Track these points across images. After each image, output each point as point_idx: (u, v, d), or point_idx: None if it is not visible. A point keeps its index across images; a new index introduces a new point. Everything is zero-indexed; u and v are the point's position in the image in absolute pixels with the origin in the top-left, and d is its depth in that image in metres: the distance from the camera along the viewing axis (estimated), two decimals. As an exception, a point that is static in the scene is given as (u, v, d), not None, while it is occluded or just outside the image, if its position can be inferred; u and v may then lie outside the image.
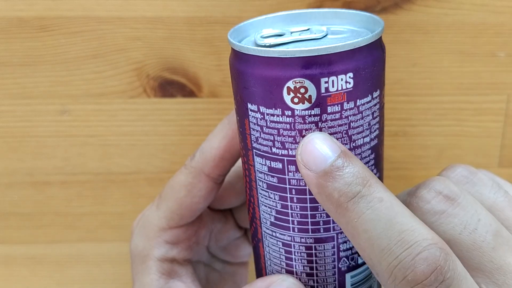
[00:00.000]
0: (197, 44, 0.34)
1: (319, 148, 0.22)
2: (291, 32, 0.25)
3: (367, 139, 0.24)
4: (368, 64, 0.22)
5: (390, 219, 0.21)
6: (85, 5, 0.33)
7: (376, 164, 0.25)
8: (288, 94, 0.22)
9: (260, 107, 0.23)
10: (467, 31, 0.34)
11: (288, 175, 0.24)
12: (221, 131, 0.27)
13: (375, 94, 0.23)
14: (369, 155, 0.24)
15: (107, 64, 0.35)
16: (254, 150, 0.24)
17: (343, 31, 0.25)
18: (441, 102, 0.36)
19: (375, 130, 0.24)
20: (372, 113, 0.24)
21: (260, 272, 0.28)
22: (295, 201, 0.24)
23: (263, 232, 0.26)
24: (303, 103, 0.22)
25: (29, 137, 0.37)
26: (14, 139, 0.37)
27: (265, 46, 0.23)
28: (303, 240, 0.25)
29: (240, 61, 0.23)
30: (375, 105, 0.24)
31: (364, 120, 0.23)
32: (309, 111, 0.22)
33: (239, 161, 0.28)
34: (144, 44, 0.34)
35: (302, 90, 0.22)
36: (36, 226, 0.40)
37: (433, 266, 0.20)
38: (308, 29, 0.25)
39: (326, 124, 0.22)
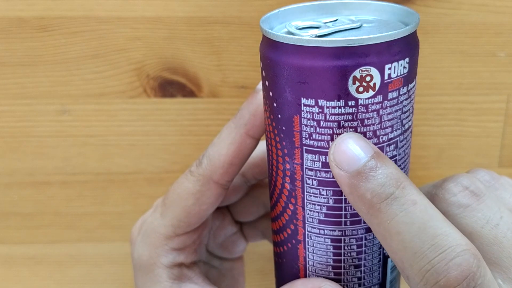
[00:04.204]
0: (197, 44, 0.34)
1: (352, 148, 0.22)
2: (325, 23, 0.24)
3: (410, 123, 0.24)
4: (416, 48, 0.23)
5: (424, 222, 0.21)
6: (85, 5, 0.33)
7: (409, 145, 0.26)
8: (354, 83, 0.22)
9: (319, 100, 0.22)
10: (467, 31, 0.34)
11: None
12: (228, 136, 0.27)
13: (416, 78, 0.24)
14: (410, 138, 0.25)
15: (107, 64, 0.35)
16: (304, 147, 0.24)
17: (371, 20, 0.25)
18: (441, 102, 0.36)
19: (412, 113, 0.25)
20: (413, 98, 0.24)
21: (293, 275, 0.27)
22: None
23: (306, 233, 0.26)
24: (368, 91, 0.22)
25: (29, 137, 0.37)
26: (14, 139, 0.37)
27: (316, 37, 0.23)
28: (354, 232, 0.25)
29: (299, 55, 0.22)
30: (414, 88, 0.24)
31: (411, 104, 0.24)
32: (372, 99, 0.22)
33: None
34: (144, 44, 0.34)
35: (368, 79, 0.22)
36: (36, 226, 0.40)
37: (466, 273, 0.20)
38: (336, 20, 0.25)
39: (386, 111, 0.23)
